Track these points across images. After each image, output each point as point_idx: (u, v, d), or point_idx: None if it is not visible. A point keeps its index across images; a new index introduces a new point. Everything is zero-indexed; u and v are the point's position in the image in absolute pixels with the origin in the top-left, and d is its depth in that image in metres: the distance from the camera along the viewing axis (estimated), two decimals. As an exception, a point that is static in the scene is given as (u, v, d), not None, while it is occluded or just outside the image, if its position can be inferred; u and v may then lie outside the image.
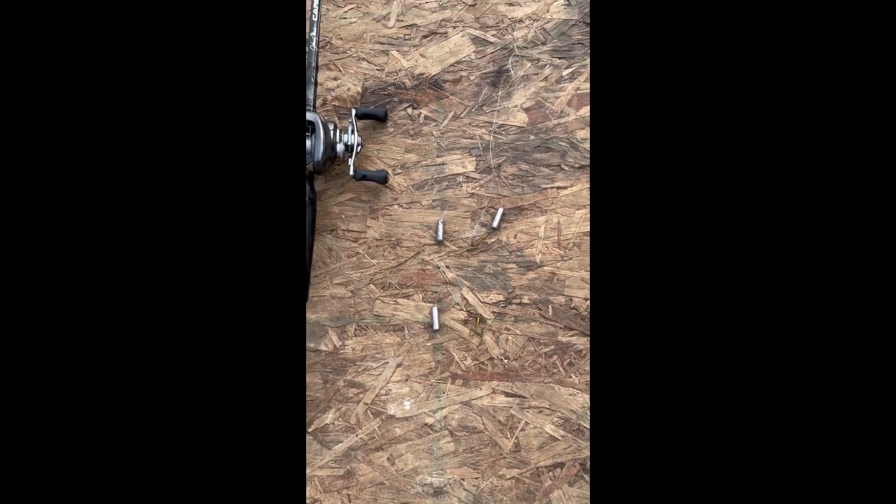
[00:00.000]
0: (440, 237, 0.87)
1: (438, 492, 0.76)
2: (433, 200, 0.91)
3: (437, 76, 0.98)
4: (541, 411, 0.79)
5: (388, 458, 0.79)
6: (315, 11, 0.93)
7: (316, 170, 0.85)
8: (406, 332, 0.84)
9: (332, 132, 0.86)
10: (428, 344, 0.83)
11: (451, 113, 0.94)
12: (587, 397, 0.77)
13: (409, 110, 0.96)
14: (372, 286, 0.87)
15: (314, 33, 0.93)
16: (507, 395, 0.79)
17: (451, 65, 0.98)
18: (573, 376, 0.79)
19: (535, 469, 0.76)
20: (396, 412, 0.80)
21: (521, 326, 0.82)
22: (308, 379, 0.83)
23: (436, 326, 0.83)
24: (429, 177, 0.93)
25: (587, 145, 0.87)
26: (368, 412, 0.81)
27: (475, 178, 0.90)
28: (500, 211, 0.87)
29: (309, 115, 0.84)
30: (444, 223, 0.89)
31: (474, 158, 0.91)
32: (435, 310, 0.83)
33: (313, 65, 0.92)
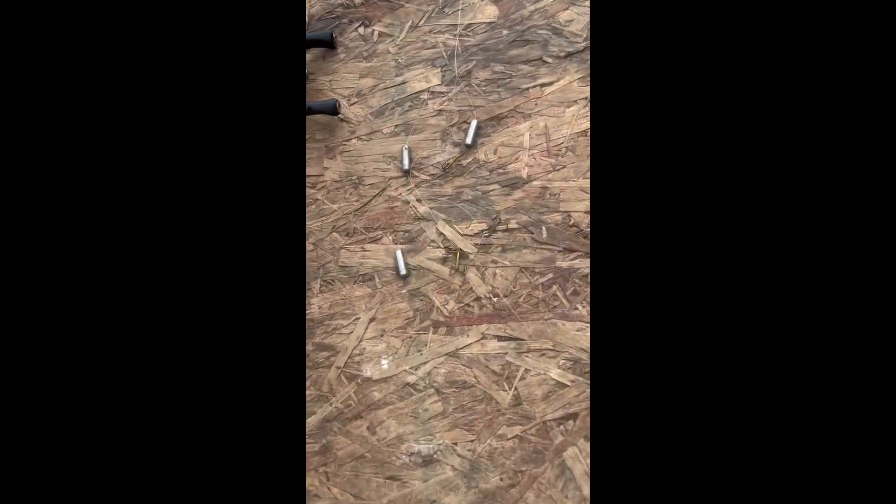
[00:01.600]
0: (406, 166, 0.74)
1: (428, 460, 0.63)
2: (395, 126, 0.77)
3: (389, -14, 0.84)
4: (543, 354, 0.64)
5: (367, 427, 0.66)
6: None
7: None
8: (377, 280, 0.71)
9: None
10: (403, 292, 0.70)
11: (409, 23, 0.80)
12: (601, 332, 0.62)
13: (361, 30, 0.83)
14: (335, 234, 0.75)
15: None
16: (500, 339, 0.65)
17: (405, -30, 0.84)
18: (580, 307, 0.63)
19: (542, 424, 0.62)
20: (373, 374, 0.68)
21: (510, 256, 0.67)
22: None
23: (402, 272, 0.69)
24: (388, 100, 0.79)
25: (575, 27, 0.70)
26: (342, 377, 0.69)
27: (442, 93, 0.75)
28: (474, 124, 0.72)
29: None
30: (409, 150, 0.75)
31: (439, 70, 0.77)
32: (399, 253, 0.70)
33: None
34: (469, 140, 0.71)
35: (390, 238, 0.72)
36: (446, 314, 0.68)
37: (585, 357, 0.62)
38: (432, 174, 0.73)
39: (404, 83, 0.78)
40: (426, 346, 0.67)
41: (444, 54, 0.77)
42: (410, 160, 0.74)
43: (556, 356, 0.63)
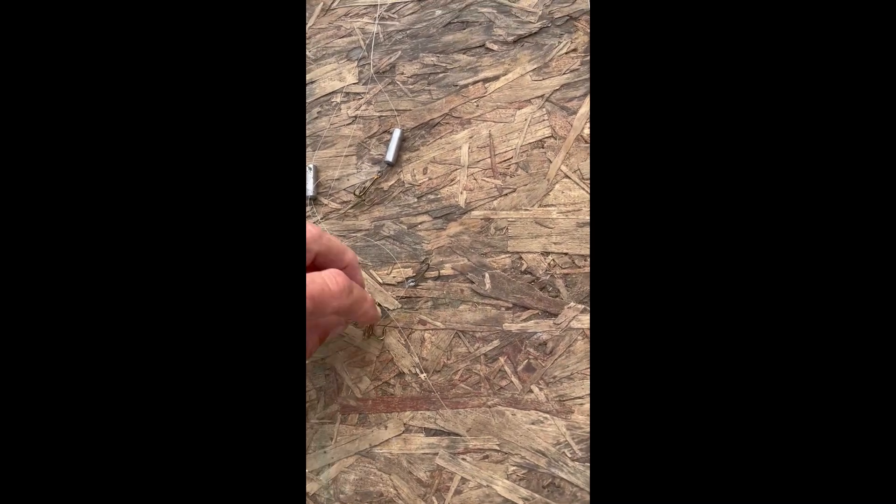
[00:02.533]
0: (311, 191, 0.56)
1: None
2: (301, 139, 0.60)
3: (297, -40, 0.67)
4: (485, 457, 0.46)
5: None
6: None
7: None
8: None
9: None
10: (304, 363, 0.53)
11: (319, 6, 0.63)
12: (562, 425, 0.44)
13: (261, 15, 0.65)
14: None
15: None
16: (429, 432, 0.48)
17: (317, -60, 0.66)
18: (536, 389, 0.46)
19: (485, 563, 0.44)
20: None
21: (444, 315, 0.50)
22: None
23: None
24: (293, 105, 0.62)
25: (526, 2, 0.53)
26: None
27: (358, 94, 0.58)
28: (397, 134, 0.54)
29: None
30: (315, 169, 0.58)
31: (355, 64, 0.59)
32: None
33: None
34: (391, 156, 0.54)
35: (290, 288, 0.55)
36: (359, 396, 0.50)
37: (543, 463, 0.44)
38: (343, 202, 0.55)
39: (312, 83, 0.60)
40: (332, 440, 0.50)
41: (363, 44, 0.59)
42: (316, 183, 0.57)
43: (503, 460, 0.45)
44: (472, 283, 0.49)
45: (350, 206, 0.55)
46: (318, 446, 0.49)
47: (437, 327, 0.49)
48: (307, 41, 0.61)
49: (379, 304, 0.51)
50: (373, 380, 0.50)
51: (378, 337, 0.50)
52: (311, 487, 0.48)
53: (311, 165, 0.56)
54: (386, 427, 0.48)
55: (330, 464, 0.49)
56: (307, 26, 0.61)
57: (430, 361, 0.48)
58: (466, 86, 0.53)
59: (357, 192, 0.55)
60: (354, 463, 0.48)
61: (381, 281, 0.52)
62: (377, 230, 0.53)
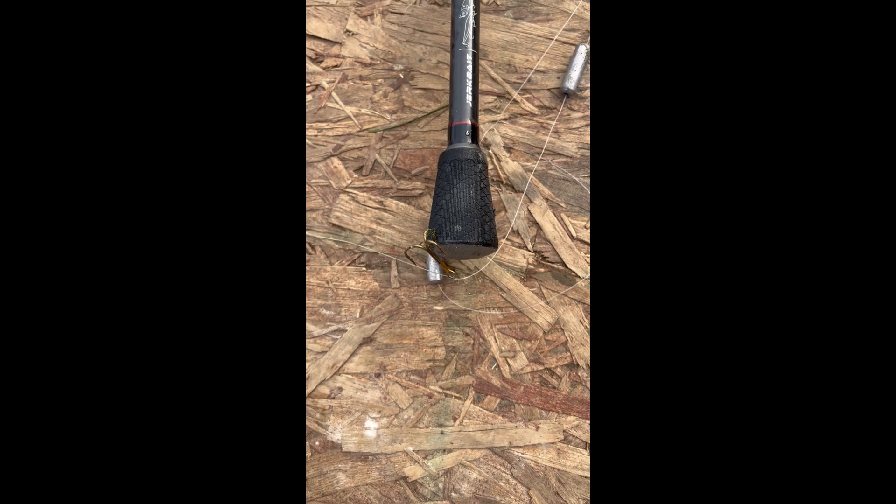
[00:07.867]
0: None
1: None
2: None
3: None
4: None
5: (309, 535, 0.37)
6: None
7: None
8: (394, 270, 0.39)
9: None
10: (437, 308, 0.39)
11: None
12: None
13: None
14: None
15: None
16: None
17: None
18: None
19: None
20: (345, 439, 0.38)
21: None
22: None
23: (433, 276, 0.38)
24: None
25: None
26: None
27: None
28: (582, 53, 0.38)
29: None
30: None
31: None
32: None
33: None
34: (572, 82, 0.38)
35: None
36: (506, 375, 0.37)
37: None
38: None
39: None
40: (455, 421, 0.37)
41: None
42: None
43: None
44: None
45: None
46: (434, 422, 0.37)
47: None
48: None
49: (563, 265, 0.37)
50: (532, 360, 0.37)
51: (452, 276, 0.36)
52: (412, 470, 0.37)
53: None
54: (537, 427, 0.36)
55: (447, 450, 0.37)
56: None
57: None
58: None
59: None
60: (481, 459, 0.36)
61: (573, 233, 0.38)
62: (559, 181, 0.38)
